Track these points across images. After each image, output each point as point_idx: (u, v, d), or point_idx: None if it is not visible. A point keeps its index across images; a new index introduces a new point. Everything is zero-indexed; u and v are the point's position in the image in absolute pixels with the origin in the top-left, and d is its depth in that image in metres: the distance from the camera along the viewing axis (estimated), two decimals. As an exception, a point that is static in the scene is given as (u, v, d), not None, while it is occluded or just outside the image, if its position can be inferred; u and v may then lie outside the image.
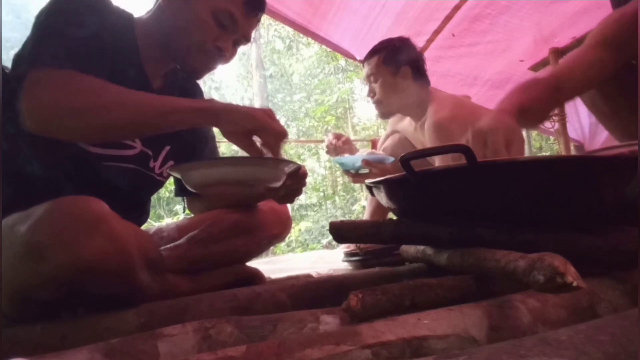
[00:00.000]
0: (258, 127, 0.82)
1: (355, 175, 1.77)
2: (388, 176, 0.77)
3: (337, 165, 1.94)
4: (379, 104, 1.86)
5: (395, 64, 1.78)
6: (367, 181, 0.84)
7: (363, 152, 1.84)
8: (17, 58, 0.82)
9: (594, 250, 0.62)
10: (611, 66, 1.07)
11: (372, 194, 0.87)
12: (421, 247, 0.83)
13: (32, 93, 0.75)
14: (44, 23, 0.82)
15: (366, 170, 1.74)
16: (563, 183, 0.63)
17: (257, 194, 0.94)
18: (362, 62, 1.92)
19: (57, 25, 0.82)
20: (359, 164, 1.72)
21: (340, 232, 0.79)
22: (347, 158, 1.79)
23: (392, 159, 1.74)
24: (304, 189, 0.99)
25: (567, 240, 0.63)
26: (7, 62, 0.88)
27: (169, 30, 0.95)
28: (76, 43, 0.81)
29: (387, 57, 1.80)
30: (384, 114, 1.92)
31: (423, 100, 1.80)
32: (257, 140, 0.84)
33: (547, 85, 1.04)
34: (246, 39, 1.01)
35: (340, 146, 1.97)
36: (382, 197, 0.81)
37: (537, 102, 1.02)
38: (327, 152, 2.04)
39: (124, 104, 0.78)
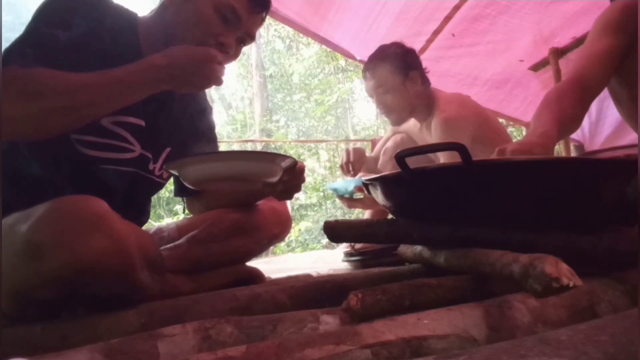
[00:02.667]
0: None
1: (350, 200, 1.74)
2: (384, 174, 0.77)
3: (336, 171, 1.89)
4: (391, 113, 1.85)
5: (403, 71, 1.77)
6: (364, 179, 0.83)
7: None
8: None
9: (590, 251, 0.63)
10: (623, 49, 1.09)
11: (369, 192, 0.86)
12: (418, 249, 0.83)
13: None
14: (29, 23, 0.82)
15: (360, 196, 1.70)
16: (558, 184, 0.63)
17: (254, 189, 0.94)
18: (363, 73, 1.89)
19: (37, 25, 0.82)
20: (351, 188, 1.69)
21: (335, 231, 0.78)
22: (339, 183, 1.76)
23: None
24: (303, 187, 0.98)
25: (563, 240, 0.63)
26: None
27: (171, 26, 0.95)
28: (53, 43, 0.81)
29: (394, 65, 1.78)
30: (398, 121, 1.90)
31: (428, 100, 1.83)
32: None
33: (576, 90, 1.04)
34: (250, 37, 1.00)
35: (355, 164, 1.90)
36: (378, 195, 0.81)
37: (572, 111, 1.01)
38: (342, 170, 1.97)
39: (69, 94, 0.77)
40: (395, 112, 1.84)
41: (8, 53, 0.78)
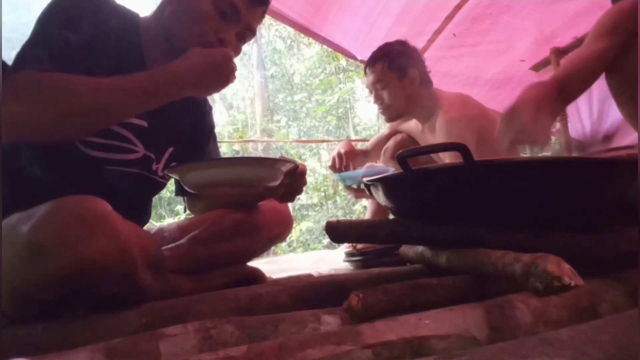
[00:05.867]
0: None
1: (358, 190, 1.73)
2: (385, 174, 0.77)
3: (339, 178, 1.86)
4: (387, 109, 1.86)
5: (402, 68, 1.78)
6: (364, 179, 0.83)
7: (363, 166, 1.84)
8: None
9: (592, 251, 0.62)
10: (616, 50, 1.11)
11: (370, 193, 0.86)
12: (419, 250, 0.83)
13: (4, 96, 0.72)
14: (37, 25, 0.82)
15: None
16: (560, 184, 0.63)
17: (255, 193, 0.94)
18: (364, 69, 1.91)
19: (48, 27, 0.82)
20: (360, 179, 1.67)
21: (337, 232, 0.78)
22: (347, 174, 1.76)
23: (392, 169, 1.73)
24: (304, 187, 0.98)
25: (563, 240, 0.63)
26: (8, 63, 0.88)
27: (170, 24, 0.94)
28: (65, 45, 0.81)
29: (392, 63, 1.79)
30: (392, 118, 1.92)
31: (429, 101, 1.82)
32: None
33: (553, 93, 1.05)
34: (251, 32, 0.99)
35: (346, 161, 1.94)
36: (379, 196, 0.81)
37: (545, 110, 1.03)
38: (330, 168, 2.01)
39: (93, 100, 0.76)
40: (390, 108, 1.85)
41: (22, 57, 0.78)
